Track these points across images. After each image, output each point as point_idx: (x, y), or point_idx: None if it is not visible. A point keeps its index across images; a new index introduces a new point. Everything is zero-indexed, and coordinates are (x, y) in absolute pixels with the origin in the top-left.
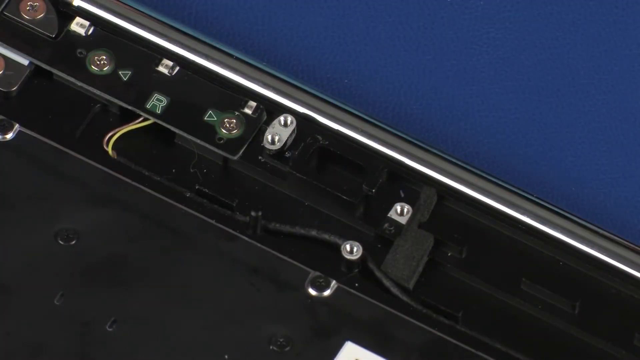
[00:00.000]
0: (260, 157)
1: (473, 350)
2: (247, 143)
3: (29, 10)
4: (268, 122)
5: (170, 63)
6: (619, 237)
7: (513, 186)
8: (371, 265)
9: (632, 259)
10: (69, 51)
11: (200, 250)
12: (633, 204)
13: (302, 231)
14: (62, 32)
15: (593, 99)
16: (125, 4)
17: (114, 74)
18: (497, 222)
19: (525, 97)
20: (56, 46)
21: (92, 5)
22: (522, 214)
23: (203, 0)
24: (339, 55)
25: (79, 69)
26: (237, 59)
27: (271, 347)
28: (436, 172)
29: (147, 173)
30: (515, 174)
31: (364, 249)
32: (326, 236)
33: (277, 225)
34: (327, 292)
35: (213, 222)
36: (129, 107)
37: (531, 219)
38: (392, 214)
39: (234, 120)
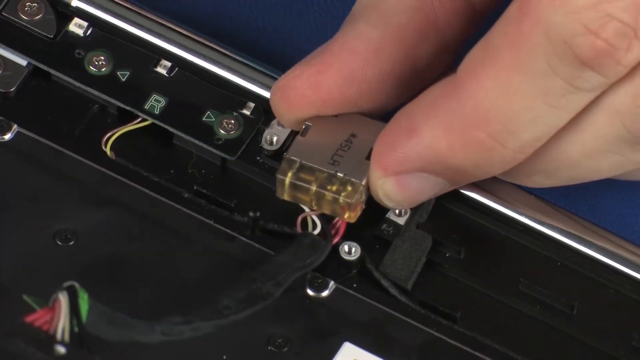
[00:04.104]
0: (258, 158)
1: (471, 350)
2: (246, 143)
3: (27, 10)
4: (266, 123)
5: (169, 64)
6: (618, 237)
7: (512, 186)
8: (369, 266)
9: (631, 259)
10: (68, 52)
11: (198, 251)
12: (632, 204)
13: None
14: (60, 33)
15: None
16: (124, 5)
17: (112, 74)
18: (495, 223)
19: None
20: (54, 47)
21: (90, 5)
22: (520, 214)
23: (203, 1)
24: None
25: (77, 69)
26: (236, 59)
27: (269, 348)
28: None
29: (145, 173)
30: None
31: (362, 250)
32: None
33: (276, 225)
34: (325, 293)
35: (211, 222)
36: (127, 108)
37: (529, 219)
38: (390, 215)
39: (233, 121)
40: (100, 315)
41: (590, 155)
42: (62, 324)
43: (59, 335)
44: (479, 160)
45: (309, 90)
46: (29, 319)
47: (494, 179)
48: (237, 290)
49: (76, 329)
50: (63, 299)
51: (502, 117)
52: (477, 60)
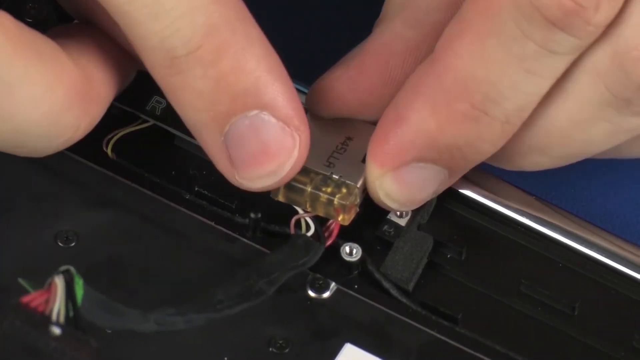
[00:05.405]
0: None
1: (472, 351)
2: None
3: (30, 12)
4: None
5: None
6: (618, 237)
7: (513, 187)
8: (370, 267)
9: (632, 260)
10: None
11: (199, 252)
12: (632, 204)
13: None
14: None
15: None
16: None
17: None
18: (496, 224)
19: None
20: None
21: None
22: (521, 215)
23: None
24: (339, 56)
25: None
26: None
27: (270, 349)
28: None
29: (146, 175)
30: (515, 175)
31: (363, 251)
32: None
33: (277, 227)
34: (326, 294)
35: (212, 223)
36: (129, 109)
37: (530, 220)
38: (391, 216)
39: None
40: (94, 301)
41: (579, 124)
42: (57, 306)
43: (54, 317)
44: (469, 134)
45: (349, 93)
46: (25, 299)
47: (495, 178)
48: (231, 286)
49: (71, 313)
50: (59, 282)
51: (482, 86)
52: (451, 34)
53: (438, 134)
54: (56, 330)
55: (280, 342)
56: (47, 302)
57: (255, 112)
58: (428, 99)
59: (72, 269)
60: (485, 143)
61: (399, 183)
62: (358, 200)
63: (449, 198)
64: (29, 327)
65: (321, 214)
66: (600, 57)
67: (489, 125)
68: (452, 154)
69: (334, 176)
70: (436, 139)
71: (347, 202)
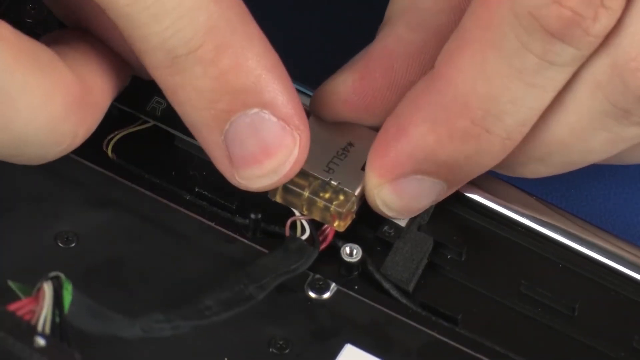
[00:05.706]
0: None
1: (472, 352)
2: None
3: (31, 13)
4: None
5: None
6: (618, 238)
7: (513, 188)
8: (370, 268)
9: (632, 261)
10: None
11: (199, 253)
12: (632, 204)
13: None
14: None
15: None
16: None
17: None
18: (496, 225)
19: None
20: None
21: None
22: (521, 216)
23: None
24: (339, 56)
25: None
26: None
27: (270, 350)
28: None
29: (146, 175)
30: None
31: (363, 252)
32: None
33: (277, 227)
34: (326, 295)
35: (212, 224)
36: (129, 110)
37: (530, 221)
38: None
39: None
40: (82, 307)
41: (579, 135)
42: (44, 315)
43: (40, 326)
44: (469, 151)
45: (353, 96)
46: (12, 307)
47: (495, 179)
48: (220, 291)
49: (57, 319)
50: (47, 289)
51: (483, 102)
52: (452, 48)
53: (437, 149)
54: (41, 342)
55: (281, 342)
56: (34, 310)
57: (255, 110)
58: (428, 114)
59: (61, 275)
60: (485, 158)
61: (397, 193)
62: (355, 208)
63: (449, 199)
64: (12, 338)
65: (317, 218)
66: (600, 68)
67: (489, 142)
68: (451, 168)
69: (332, 182)
70: (435, 154)
71: (344, 210)
